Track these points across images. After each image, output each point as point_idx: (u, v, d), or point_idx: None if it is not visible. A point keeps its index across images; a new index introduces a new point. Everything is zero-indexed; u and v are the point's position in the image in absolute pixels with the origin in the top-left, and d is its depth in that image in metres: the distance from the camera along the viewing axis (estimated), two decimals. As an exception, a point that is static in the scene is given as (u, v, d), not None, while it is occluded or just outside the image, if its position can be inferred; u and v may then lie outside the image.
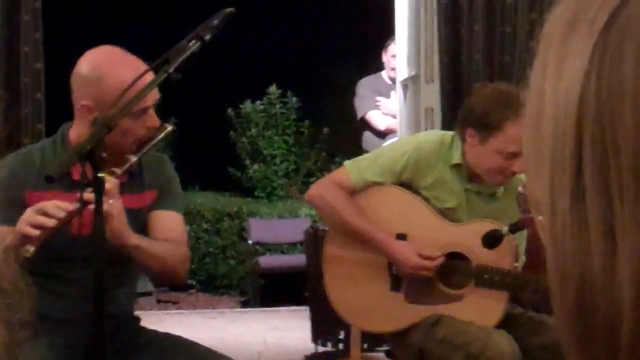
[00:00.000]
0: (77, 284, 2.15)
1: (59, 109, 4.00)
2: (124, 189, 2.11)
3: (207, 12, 1.96)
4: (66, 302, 2.18)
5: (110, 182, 1.97)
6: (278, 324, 5.58)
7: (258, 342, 5.13)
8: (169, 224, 2.28)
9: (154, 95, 2.15)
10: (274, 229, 7.24)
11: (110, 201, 1.96)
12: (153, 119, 2.17)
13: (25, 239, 1.92)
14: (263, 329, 5.52)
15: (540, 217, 0.56)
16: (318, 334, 4.57)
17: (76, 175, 2.10)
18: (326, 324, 4.27)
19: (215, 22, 1.95)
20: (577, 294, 0.49)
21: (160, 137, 2.19)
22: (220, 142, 8.69)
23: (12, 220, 2.07)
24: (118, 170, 2.06)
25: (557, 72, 0.50)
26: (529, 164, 0.55)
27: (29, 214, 1.96)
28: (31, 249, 1.87)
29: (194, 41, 1.93)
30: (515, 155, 2.47)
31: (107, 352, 1.89)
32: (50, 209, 1.94)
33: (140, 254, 2.11)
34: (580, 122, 0.48)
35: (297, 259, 6.11)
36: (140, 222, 2.24)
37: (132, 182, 2.21)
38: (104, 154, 1.82)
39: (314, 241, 4.41)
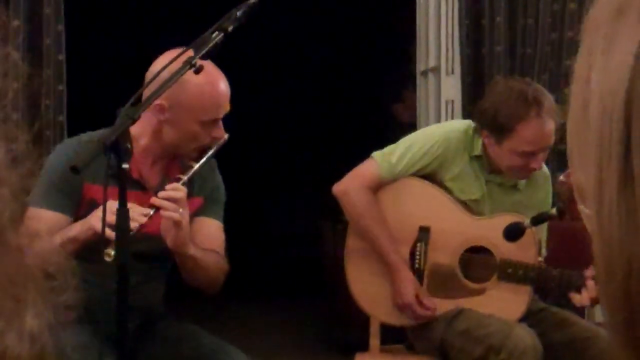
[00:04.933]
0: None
1: (80, 100, 4.02)
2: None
3: (231, 4, 1.96)
4: (104, 293, 2.17)
5: (182, 191, 2.01)
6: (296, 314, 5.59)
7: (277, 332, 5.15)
8: (213, 233, 2.29)
9: (226, 107, 2.19)
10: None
11: (181, 210, 1.99)
12: (220, 130, 2.20)
13: (99, 237, 1.89)
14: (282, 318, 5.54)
15: (581, 207, 0.55)
16: (337, 326, 4.57)
17: (135, 174, 2.15)
18: (345, 315, 4.28)
19: (239, 13, 1.95)
20: (624, 281, 0.48)
21: (219, 145, 2.22)
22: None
23: (64, 208, 2.10)
24: (184, 177, 2.08)
25: (605, 57, 0.49)
26: (573, 153, 0.55)
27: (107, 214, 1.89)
28: (112, 252, 1.86)
29: (217, 32, 1.93)
30: (532, 154, 2.47)
31: (127, 342, 1.89)
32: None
33: (193, 263, 2.12)
34: (630, 106, 0.47)
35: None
36: None
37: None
38: (129, 145, 1.82)
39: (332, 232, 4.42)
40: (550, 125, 2.45)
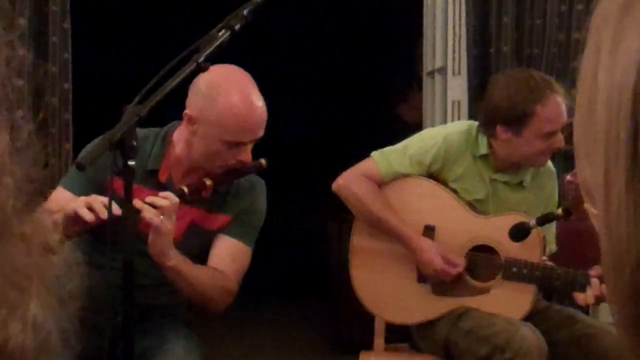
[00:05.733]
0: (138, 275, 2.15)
1: (86, 99, 4.03)
2: (199, 202, 2.12)
3: (237, 5, 1.96)
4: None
5: (170, 202, 1.98)
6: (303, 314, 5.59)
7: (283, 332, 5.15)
8: (230, 254, 2.25)
9: (255, 133, 2.15)
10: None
11: (162, 217, 1.97)
12: (246, 154, 2.17)
13: (71, 221, 1.92)
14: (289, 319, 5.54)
15: (586, 205, 0.55)
16: (341, 325, 4.57)
17: (163, 177, 2.16)
18: (350, 315, 4.27)
19: (245, 11, 1.94)
20: (633, 278, 0.48)
21: (247, 171, 2.20)
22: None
23: (84, 194, 2.09)
24: (185, 189, 2.06)
25: (613, 54, 0.49)
26: (580, 151, 0.54)
27: (89, 199, 1.95)
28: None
29: (223, 31, 1.93)
30: (554, 133, 2.48)
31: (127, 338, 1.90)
32: (95, 205, 1.93)
33: (176, 276, 2.09)
34: (637, 102, 0.47)
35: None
36: (202, 241, 2.23)
37: (210, 199, 2.20)
38: (135, 143, 1.82)
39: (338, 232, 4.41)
40: (563, 103, 2.48)
